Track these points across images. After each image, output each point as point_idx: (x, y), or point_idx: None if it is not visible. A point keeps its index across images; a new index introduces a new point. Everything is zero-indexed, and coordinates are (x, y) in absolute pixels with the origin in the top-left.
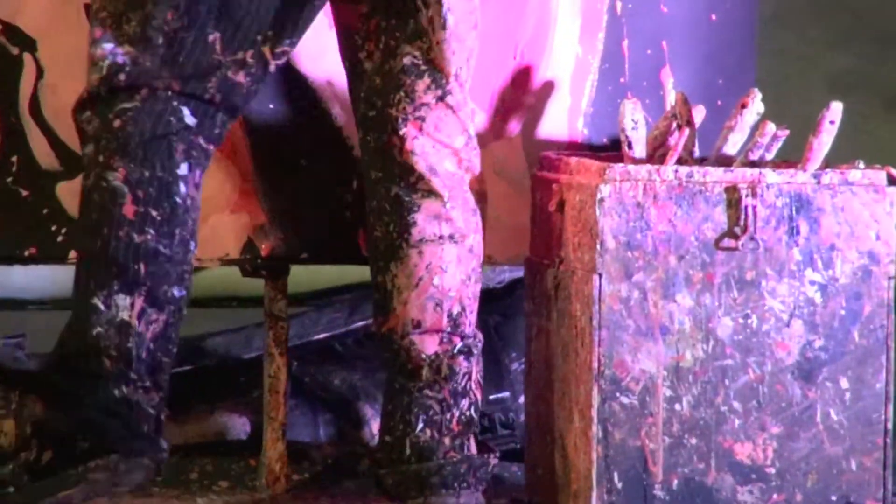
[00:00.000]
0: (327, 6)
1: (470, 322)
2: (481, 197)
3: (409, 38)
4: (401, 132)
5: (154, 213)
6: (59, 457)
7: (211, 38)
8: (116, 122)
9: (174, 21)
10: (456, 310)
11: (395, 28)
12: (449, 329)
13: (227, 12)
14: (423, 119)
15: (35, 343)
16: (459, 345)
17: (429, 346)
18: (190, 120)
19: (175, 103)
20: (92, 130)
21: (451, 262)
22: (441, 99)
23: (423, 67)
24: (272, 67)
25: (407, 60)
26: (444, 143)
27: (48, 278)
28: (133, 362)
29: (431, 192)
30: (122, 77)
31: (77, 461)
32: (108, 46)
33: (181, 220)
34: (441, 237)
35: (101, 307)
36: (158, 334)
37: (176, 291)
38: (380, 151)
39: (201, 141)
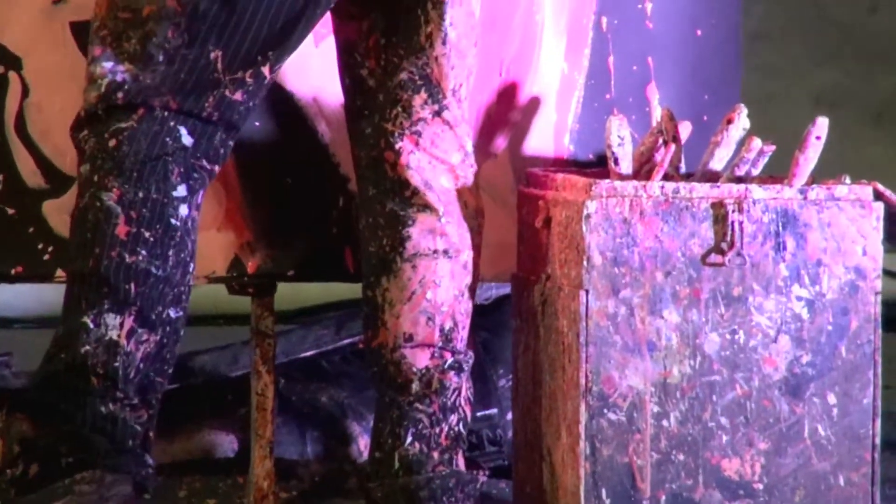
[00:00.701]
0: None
1: (461, 338)
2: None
3: (410, 54)
4: (396, 146)
5: (147, 234)
6: (44, 471)
7: (212, 55)
8: (112, 142)
9: (175, 39)
10: (448, 325)
11: (396, 44)
12: (440, 344)
13: (230, 31)
14: (419, 134)
15: (22, 361)
16: (450, 360)
17: (420, 360)
18: (187, 140)
19: (172, 123)
20: (88, 150)
21: (444, 276)
22: (438, 114)
23: (420, 82)
24: (267, 82)
25: (405, 75)
26: (441, 158)
27: (34, 297)
28: (119, 381)
29: (427, 207)
30: (119, 95)
31: (62, 475)
32: (108, 65)
33: (177, 241)
34: (435, 252)
35: (91, 325)
36: (150, 354)
37: (171, 312)
38: (375, 166)
39: (203, 162)
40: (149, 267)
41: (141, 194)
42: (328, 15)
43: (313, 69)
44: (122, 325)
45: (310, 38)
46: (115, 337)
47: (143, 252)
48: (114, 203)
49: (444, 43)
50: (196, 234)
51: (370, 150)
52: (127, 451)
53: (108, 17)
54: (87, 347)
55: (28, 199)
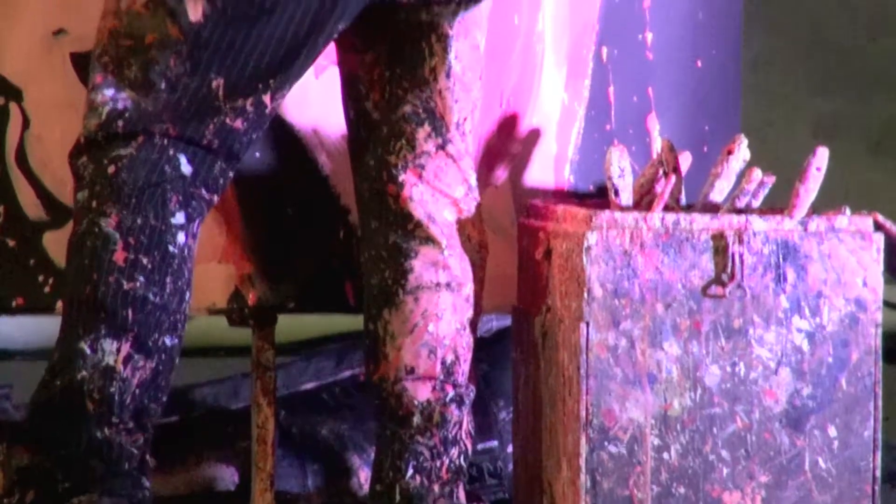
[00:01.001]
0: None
1: (463, 371)
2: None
3: (414, 86)
4: (399, 179)
5: (145, 260)
6: (42, 497)
7: (214, 84)
8: (111, 169)
9: (177, 67)
10: (450, 358)
11: (400, 77)
12: (442, 377)
13: (232, 58)
14: (422, 167)
15: (22, 394)
16: (451, 393)
17: (421, 392)
18: (186, 168)
19: (172, 151)
20: (87, 176)
21: (446, 309)
22: (441, 147)
23: (424, 115)
24: (269, 112)
25: (408, 108)
26: (444, 191)
27: (35, 329)
28: (115, 406)
29: (429, 239)
30: (120, 124)
31: (59, 500)
32: (109, 92)
33: (174, 269)
34: (438, 284)
35: (88, 351)
36: (146, 380)
37: (167, 340)
38: (378, 199)
39: (202, 190)
40: (146, 293)
41: (139, 221)
42: (332, 46)
43: (314, 100)
44: (118, 350)
45: (310, 70)
46: (111, 362)
47: (141, 278)
48: (112, 229)
49: (448, 76)
50: (193, 263)
51: (373, 183)
52: (123, 474)
53: (109, 43)
54: (84, 373)
55: (28, 231)
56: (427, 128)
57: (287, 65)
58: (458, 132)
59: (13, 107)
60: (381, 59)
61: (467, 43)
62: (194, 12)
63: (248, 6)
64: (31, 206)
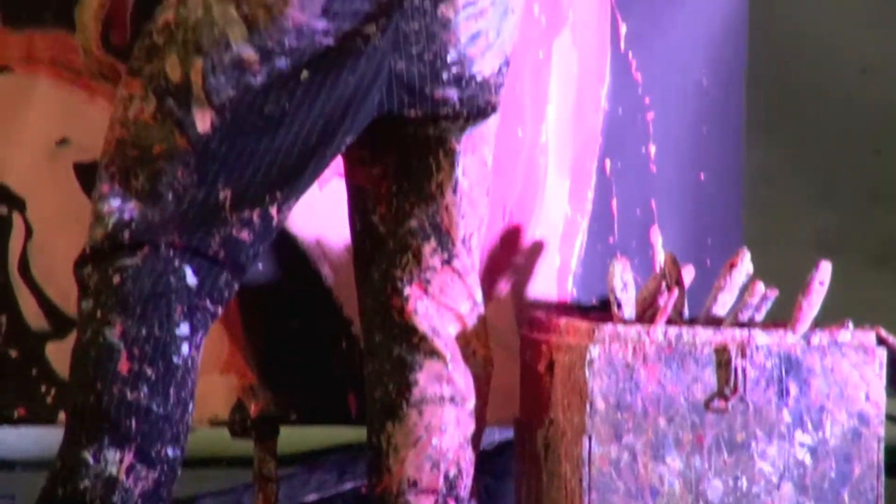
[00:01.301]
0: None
1: (465, 486)
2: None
3: (420, 201)
4: (405, 293)
5: (149, 371)
6: None
7: (221, 195)
8: (116, 279)
9: (185, 178)
10: (453, 472)
11: (408, 191)
12: (445, 490)
13: (239, 169)
14: (428, 282)
15: None
16: None
17: None
18: (191, 280)
19: (177, 262)
20: (92, 286)
21: (450, 423)
22: (447, 262)
23: (430, 230)
24: (275, 224)
25: (415, 223)
26: (449, 306)
27: (37, 439)
28: None
29: (434, 353)
30: (126, 234)
31: None
32: (116, 202)
33: (178, 380)
34: (442, 398)
35: (91, 461)
36: (148, 491)
37: (170, 451)
38: (382, 312)
39: (207, 302)
40: (150, 404)
41: (144, 331)
42: (339, 159)
43: (317, 213)
44: (121, 460)
45: (315, 182)
46: (114, 472)
47: (145, 389)
48: (116, 339)
49: (455, 191)
50: (196, 374)
51: (378, 296)
52: None
53: (117, 153)
54: (87, 482)
55: (31, 342)
56: (433, 243)
57: (295, 177)
58: (464, 247)
59: (16, 216)
60: (389, 173)
61: (475, 158)
62: (202, 123)
63: (257, 117)
64: (33, 316)
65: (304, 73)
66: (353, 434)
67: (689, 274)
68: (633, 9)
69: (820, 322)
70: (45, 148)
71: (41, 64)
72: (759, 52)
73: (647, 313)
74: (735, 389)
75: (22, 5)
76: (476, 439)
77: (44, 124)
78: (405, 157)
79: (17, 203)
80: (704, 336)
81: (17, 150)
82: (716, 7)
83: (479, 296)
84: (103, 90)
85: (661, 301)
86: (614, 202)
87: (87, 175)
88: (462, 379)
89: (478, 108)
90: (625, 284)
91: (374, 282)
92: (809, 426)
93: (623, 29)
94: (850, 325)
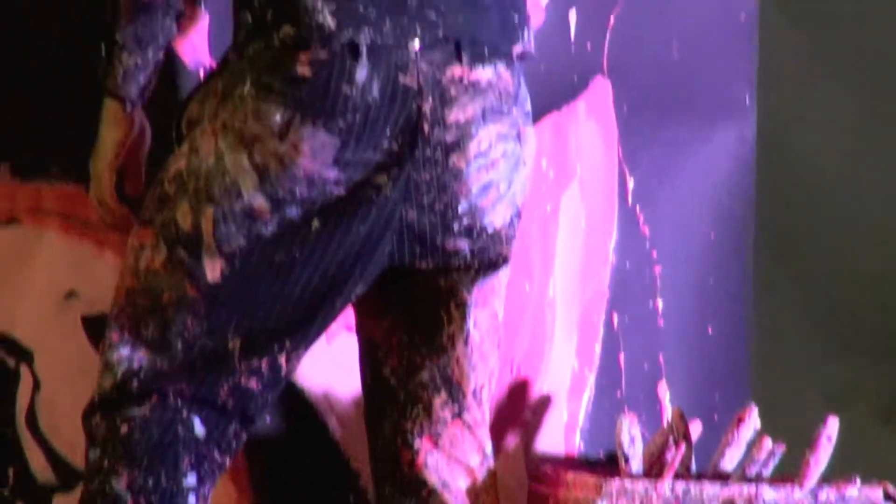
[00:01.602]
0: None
1: None
2: None
3: (431, 353)
4: (414, 446)
5: None
6: None
7: (231, 345)
8: (124, 429)
9: (195, 327)
10: None
11: (419, 343)
12: None
13: (249, 318)
14: (438, 435)
15: None
16: None
17: None
18: (199, 430)
19: (185, 412)
20: (99, 436)
21: None
22: (458, 415)
23: (441, 382)
24: (283, 373)
25: (426, 375)
26: (459, 460)
27: None
28: None
29: None
30: (135, 383)
31: None
32: (125, 351)
33: None
34: None
35: None
36: None
37: None
38: (391, 464)
39: (215, 453)
40: None
41: (150, 482)
42: (349, 311)
43: (325, 365)
44: None
45: (322, 336)
46: None
47: None
48: (123, 489)
49: (466, 343)
50: None
51: (388, 448)
52: None
53: (126, 302)
54: None
55: (38, 494)
56: (444, 395)
57: (304, 325)
58: (474, 400)
59: (24, 369)
60: (400, 325)
61: (486, 311)
62: (212, 273)
63: (267, 266)
64: (40, 469)
65: (315, 223)
66: None
67: (696, 429)
68: (640, 162)
69: (827, 478)
70: (53, 300)
71: (49, 216)
72: (767, 209)
73: (654, 468)
74: None
75: (30, 157)
76: None
77: (52, 277)
78: (416, 308)
79: (25, 355)
80: (712, 491)
81: (25, 302)
82: (723, 161)
83: (489, 448)
84: (112, 243)
85: (669, 456)
86: (622, 356)
87: (94, 328)
88: None
89: (489, 260)
90: (632, 439)
91: (384, 434)
92: None
93: (631, 183)
94: (858, 481)
